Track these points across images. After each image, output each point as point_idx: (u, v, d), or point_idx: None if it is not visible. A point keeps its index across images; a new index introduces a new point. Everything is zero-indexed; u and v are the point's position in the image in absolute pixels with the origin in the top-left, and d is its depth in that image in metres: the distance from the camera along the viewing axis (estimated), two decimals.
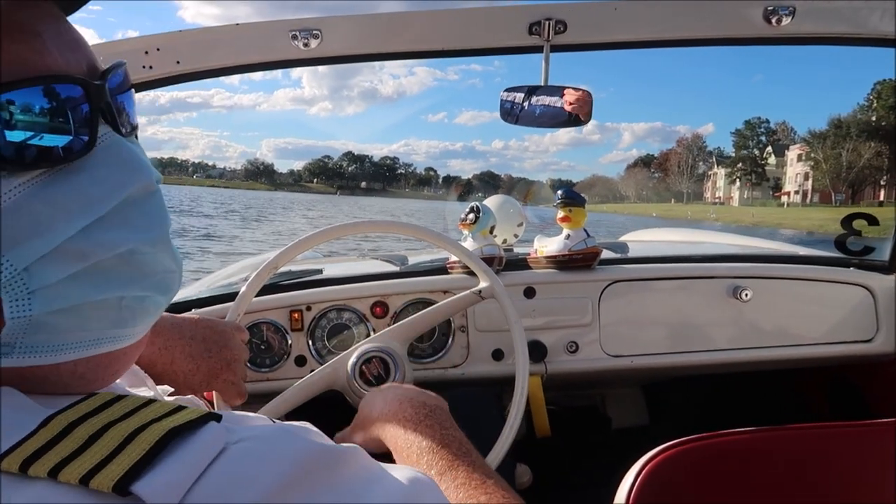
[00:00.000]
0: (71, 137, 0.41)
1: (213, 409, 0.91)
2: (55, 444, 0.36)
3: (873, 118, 78.27)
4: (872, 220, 1.74)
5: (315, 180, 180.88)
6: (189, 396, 0.50)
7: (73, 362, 0.44)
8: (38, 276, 0.40)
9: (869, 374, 1.78)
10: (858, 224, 1.74)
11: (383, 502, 0.41)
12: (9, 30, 0.39)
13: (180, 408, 0.40)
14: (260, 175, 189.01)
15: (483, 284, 1.29)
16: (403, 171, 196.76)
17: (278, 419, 1.33)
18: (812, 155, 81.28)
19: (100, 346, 0.44)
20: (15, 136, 0.39)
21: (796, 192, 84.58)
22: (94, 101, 0.43)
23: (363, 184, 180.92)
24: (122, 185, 0.43)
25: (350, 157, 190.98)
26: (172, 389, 0.84)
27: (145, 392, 0.64)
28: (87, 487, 0.34)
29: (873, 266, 1.73)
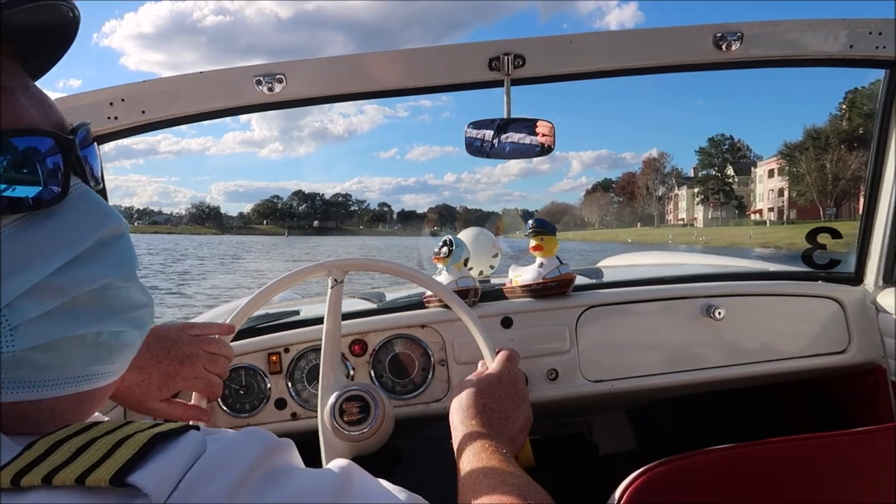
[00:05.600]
0: (40, 188, 0.47)
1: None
2: (44, 459, 0.41)
3: (847, 127, 78.80)
4: (836, 234, 1.90)
5: (265, 222, 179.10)
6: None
7: (54, 399, 0.48)
8: (20, 312, 0.45)
9: (845, 385, 1.92)
10: (823, 238, 1.90)
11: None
12: None
13: (159, 423, 0.48)
14: (206, 219, 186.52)
15: None
16: (357, 209, 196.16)
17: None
18: (789, 169, 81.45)
19: (82, 383, 0.50)
20: None
21: (770, 210, 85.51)
22: (66, 153, 0.49)
23: (315, 223, 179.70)
24: (94, 228, 0.49)
25: (300, 195, 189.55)
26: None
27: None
28: (84, 486, 0.40)
29: (840, 279, 1.89)
